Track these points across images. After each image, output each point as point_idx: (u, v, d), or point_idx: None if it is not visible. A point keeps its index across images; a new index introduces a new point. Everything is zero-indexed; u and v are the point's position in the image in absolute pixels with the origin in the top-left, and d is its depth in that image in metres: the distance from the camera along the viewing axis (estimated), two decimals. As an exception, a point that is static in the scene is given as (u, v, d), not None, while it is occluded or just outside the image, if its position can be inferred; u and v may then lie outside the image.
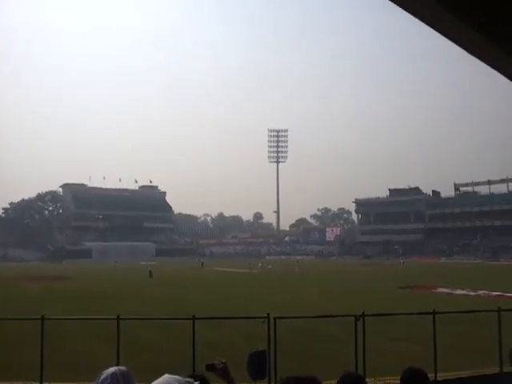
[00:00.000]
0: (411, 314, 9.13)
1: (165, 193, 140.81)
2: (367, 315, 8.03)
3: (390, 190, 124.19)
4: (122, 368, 2.43)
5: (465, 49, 2.81)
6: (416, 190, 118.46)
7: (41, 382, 8.20)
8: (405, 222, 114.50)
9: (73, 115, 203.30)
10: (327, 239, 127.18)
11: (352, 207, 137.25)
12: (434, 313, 8.30)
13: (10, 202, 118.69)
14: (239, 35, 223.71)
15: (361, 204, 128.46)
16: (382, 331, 12.26)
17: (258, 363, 8.28)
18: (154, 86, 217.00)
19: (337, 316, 8.97)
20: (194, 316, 8.22)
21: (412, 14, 2.43)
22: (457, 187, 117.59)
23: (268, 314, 7.98)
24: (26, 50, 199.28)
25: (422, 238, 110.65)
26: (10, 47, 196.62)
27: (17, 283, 39.47)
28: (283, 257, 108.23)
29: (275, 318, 8.01)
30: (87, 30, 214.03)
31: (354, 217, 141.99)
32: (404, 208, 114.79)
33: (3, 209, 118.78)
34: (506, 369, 8.00)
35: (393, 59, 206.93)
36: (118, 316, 8.34)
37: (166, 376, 2.18)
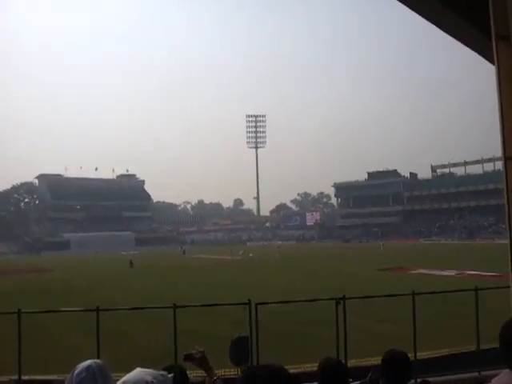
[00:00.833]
0: (390, 295, 9.20)
1: (143, 181, 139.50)
2: (347, 298, 8.06)
3: (368, 173, 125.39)
4: (98, 361, 2.36)
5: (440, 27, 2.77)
6: (394, 173, 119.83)
7: (19, 376, 8.05)
8: (383, 204, 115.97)
9: (46, 102, 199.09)
10: (307, 224, 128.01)
11: (331, 191, 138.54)
12: (413, 294, 8.38)
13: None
14: (214, 22, 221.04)
15: (340, 188, 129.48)
16: (362, 313, 12.40)
17: (240, 349, 8.29)
18: (130, 73, 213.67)
19: (317, 300, 9.00)
20: (174, 304, 8.12)
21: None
22: (434, 169, 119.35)
23: (249, 300, 7.94)
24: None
25: (401, 220, 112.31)
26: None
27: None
28: (264, 242, 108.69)
29: (256, 304, 7.97)
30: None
31: (334, 201, 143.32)
32: (382, 191, 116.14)
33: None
34: (484, 346, 8.17)
35: (370, 43, 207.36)
36: (98, 307, 8.19)
37: (138, 370, 2.10)
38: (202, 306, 10.11)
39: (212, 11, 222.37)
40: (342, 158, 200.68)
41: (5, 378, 8.31)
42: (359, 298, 9.57)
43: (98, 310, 8.17)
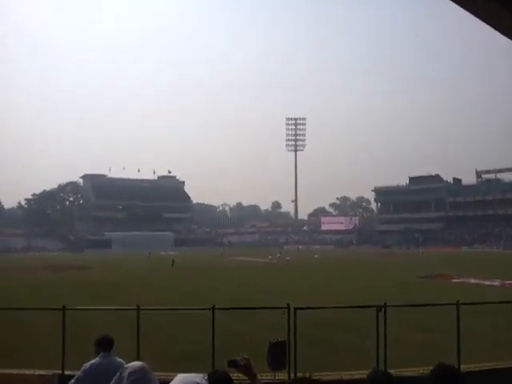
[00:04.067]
0: (434, 304, 8.92)
1: (183, 183, 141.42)
2: (389, 306, 7.88)
3: (410, 177, 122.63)
4: (145, 364, 2.40)
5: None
6: (437, 178, 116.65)
7: (62, 370, 8.27)
8: (425, 210, 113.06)
9: (92, 108, 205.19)
10: (346, 228, 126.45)
11: (371, 196, 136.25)
12: (457, 304, 8.10)
13: (32, 193, 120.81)
14: (255, 26, 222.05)
15: (380, 192, 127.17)
16: (403, 321, 12.10)
17: (278, 354, 8.23)
18: (170, 78, 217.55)
19: (358, 307, 8.83)
20: (213, 306, 8.16)
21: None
22: (479, 174, 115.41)
23: (288, 305, 7.89)
24: (34, 44, 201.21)
25: (443, 227, 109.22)
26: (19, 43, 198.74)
27: (39, 273, 40.26)
28: (301, 246, 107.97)
29: (295, 309, 7.91)
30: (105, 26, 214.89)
31: (374, 205, 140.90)
32: (424, 196, 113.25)
33: (26, 200, 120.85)
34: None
35: (409, 50, 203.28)
36: (138, 306, 8.33)
37: (180, 376, 2.12)
38: (240, 308, 10.13)
39: (253, 15, 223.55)
40: (383, 161, 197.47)
41: (49, 372, 8.55)
42: (401, 306, 9.34)
43: (138, 309, 8.31)
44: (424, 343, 12.02)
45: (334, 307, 9.30)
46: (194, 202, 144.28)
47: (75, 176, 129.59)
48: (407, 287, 25.90)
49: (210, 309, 8.16)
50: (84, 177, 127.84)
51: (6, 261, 55.47)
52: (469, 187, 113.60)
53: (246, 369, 2.64)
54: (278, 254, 58.96)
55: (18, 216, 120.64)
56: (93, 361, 4.89)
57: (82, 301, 20.76)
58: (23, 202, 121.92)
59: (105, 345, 4.97)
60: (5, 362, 9.35)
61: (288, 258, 54.90)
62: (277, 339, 8.48)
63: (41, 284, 29.51)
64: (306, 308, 8.43)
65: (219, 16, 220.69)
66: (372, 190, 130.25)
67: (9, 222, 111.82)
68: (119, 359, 4.79)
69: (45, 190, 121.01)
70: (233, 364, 2.64)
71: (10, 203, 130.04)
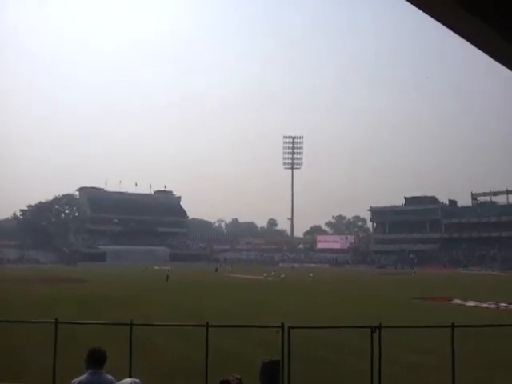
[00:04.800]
0: (428, 326, 8.92)
1: (179, 198, 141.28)
2: (384, 327, 7.87)
3: (405, 198, 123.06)
4: (137, 380, 2.39)
5: (467, 39, 2.72)
6: (432, 199, 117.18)
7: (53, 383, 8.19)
8: (421, 231, 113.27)
9: (90, 120, 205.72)
10: (341, 247, 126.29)
11: (367, 215, 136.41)
12: (452, 326, 8.09)
13: (27, 204, 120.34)
14: (255, 47, 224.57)
15: (376, 212, 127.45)
16: (398, 342, 12.04)
17: (271, 373, 8.17)
18: (169, 94, 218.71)
19: (353, 327, 8.81)
20: (207, 323, 8.14)
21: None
22: (474, 197, 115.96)
23: (282, 324, 7.88)
24: (38, 52, 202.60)
25: (438, 248, 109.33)
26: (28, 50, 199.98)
27: (33, 286, 39.92)
28: (296, 264, 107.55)
29: (289, 328, 7.89)
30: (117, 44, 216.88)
31: (369, 225, 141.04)
32: (420, 217, 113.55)
33: (21, 211, 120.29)
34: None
35: (408, 68, 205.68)
36: (131, 321, 8.29)
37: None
38: (235, 326, 10.08)
39: (252, 36, 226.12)
40: (379, 181, 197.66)
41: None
42: (396, 327, 9.33)
43: (131, 324, 8.27)
44: (418, 365, 11.96)
45: (328, 327, 9.21)
46: (190, 217, 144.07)
47: (72, 188, 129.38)
48: (402, 308, 25.80)
49: (204, 326, 8.14)
50: (80, 189, 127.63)
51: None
52: (464, 209, 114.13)
53: None
54: (272, 272, 58.68)
55: (12, 227, 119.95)
56: (81, 377, 4.54)
57: (78, 314, 20.60)
58: (18, 213, 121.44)
59: (95, 360, 4.59)
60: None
61: (283, 275, 54.72)
62: (270, 358, 8.43)
63: (35, 297, 29.23)
64: (301, 327, 8.40)
65: (219, 35, 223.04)
66: (368, 210, 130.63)
67: (3, 232, 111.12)
68: (109, 376, 4.52)
69: (40, 202, 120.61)
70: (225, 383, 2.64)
71: (4, 214, 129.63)
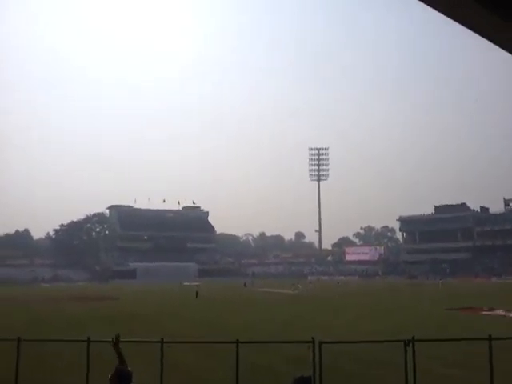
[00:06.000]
0: (464, 339, 8.65)
1: (207, 213, 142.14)
2: (417, 340, 7.67)
3: (435, 206, 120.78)
4: None
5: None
6: (463, 206, 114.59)
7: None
8: (452, 240, 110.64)
9: (118, 140, 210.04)
10: (370, 259, 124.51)
11: (396, 225, 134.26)
12: (490, 339, 7.83)
13: (60, 223, 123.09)
14: (282, 58, 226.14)
15: (405, 222, 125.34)
16: (432, 355, 11.72)
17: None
18: (195, 112, 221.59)
19: (385, 341, 8.61)
20: (237, 340, 8.11)
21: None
22: (507, 203, 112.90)
23: (313, 338, 7.78)
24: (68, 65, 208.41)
25: (471, 257, 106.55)
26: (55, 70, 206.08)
27: (66, 304, 40.64)
28: (325, 277, 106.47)
29: (320, 343, 7.78)
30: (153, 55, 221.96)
31: (399, 235, 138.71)
32: (451, 225, 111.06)
33: (54, 230, 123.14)
34: None
35: (439, 77, 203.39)
36: (162, 339, 8.33)
37: None
38: (264, 342, 10.00)
39: (276, 50, 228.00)
40: (408, 190, 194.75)
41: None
42: (430, 340, 9.07)
43: (162, 342, 8.32)
44: (455, 379, 11.60)
45: (360, 342, 8.96)
46: (218, 232, 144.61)
47: (102, 207, 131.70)
48: (435, 319, 25.15)
49: (234, 342, 8.11)
50: (110, 208, 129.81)
51: (34, 292, 56.20)
52: (497, 216, 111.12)
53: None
54: (299, 285, 58.20)
55: (46, 246, 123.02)
56: None
57: (109, 332, 20.80)
58: (51, 233, 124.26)
59: (120, 379, 4.41)
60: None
61: (311, 284, 54.37)
62: (301, 374, 8.30)
63: (68, 316, 29.71)
64: (332, 342, 8.27)
65: (245, 51, 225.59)
66: (397, 220, 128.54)
67: (37, 252, 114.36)
68: None
69: (72, 221, 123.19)
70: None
71: (39, 234, 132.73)
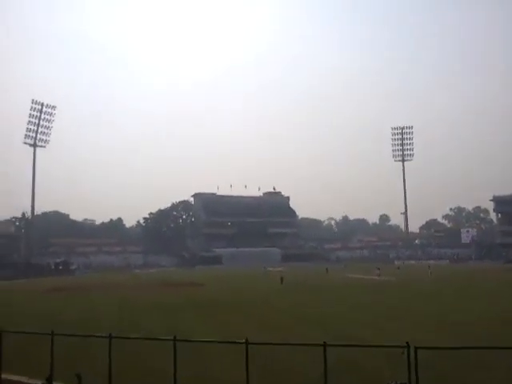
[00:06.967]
0: None
1: (288, 198, 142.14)
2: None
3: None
4: None
5: None
6: None
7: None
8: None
9: (203, 133, 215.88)
10: (462, 242, 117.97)
11: (490, 205, 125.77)
12: None
13: (149, 212, 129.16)
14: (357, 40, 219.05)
15: (500, 202, 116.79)
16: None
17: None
18: (275, 98, 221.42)
19: (500, 348, 7.71)
20: (324, 342, 7.69)
21: None
22: None
23: (407, 343, 7.16)
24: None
25: None
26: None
27: (158, 291, 42.64)
28: (413, 261, 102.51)
29: (416, 348, 7.14)
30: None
31: (493, 216, 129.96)
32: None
33: (144, 219, 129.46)
34: None
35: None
36: (247, 340, 8.12)
37: None
38: (353, 346, 9.50)
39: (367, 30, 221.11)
40: (502, 168, 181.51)
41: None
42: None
43: (247, 343, 8.10)
44: None
45: (467, 348, 7.97)
46: (300, 217, 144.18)
47: (187, 195, 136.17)
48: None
49: (321, 345, 7.71)
50: (195, 195, 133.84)
51: (129, 277, 59.46)
52: None
53: None
54: (378, 271, 55.31)
55: (136, 234, 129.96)
56: None
57: (195, 320, 21.28)
58: (141, 221, 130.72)
59: None
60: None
61: (399, 268, 51.58)
62: (395, 381, 7.73)
63: (158, 302, 30.96)
64: (429, 348, 7.57)
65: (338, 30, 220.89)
66: (490, 200, 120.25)
67: (129, 239, 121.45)
68: None
69: (160, 209, 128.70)
70: None
71: (131, 222, 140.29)
